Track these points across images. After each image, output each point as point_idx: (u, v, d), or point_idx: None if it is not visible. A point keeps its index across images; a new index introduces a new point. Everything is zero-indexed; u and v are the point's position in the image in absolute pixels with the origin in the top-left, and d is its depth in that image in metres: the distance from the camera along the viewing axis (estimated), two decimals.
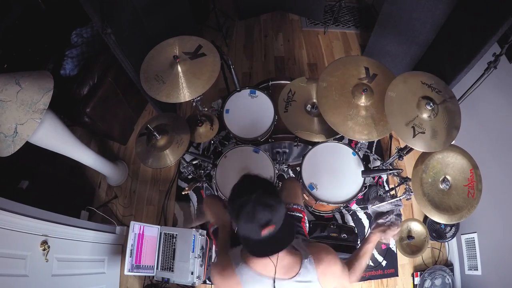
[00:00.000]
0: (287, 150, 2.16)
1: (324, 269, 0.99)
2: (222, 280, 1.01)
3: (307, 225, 1.52)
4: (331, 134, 1.75)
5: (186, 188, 2.06)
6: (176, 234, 2.04)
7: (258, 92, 1.95)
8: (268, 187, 0.90)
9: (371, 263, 2.22)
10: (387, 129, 1.54)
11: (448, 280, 2.17)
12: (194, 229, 2.05)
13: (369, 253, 1.21)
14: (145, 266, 1.97)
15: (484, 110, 2.03)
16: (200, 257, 2.04)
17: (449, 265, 2.26)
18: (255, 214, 0.83)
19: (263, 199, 0.84)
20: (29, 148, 1.60)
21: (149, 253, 2.00)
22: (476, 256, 2.05)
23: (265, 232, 0.84)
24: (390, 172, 1.86)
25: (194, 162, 2.10)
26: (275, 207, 0.85)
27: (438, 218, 1.45)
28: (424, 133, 1.39)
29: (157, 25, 2.31)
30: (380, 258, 2.24)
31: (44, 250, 1.52)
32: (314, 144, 1.83)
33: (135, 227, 1.96)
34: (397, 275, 2.23)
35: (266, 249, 0.89)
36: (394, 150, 2.18)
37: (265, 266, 0.94)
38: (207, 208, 1.60)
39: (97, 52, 2.23)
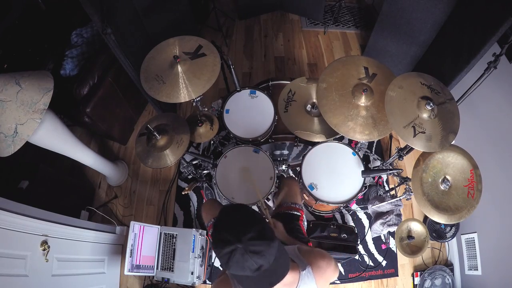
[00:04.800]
0: (287, 150, 2.16)
1: (322, 275, 1.00)
2: None
3: (305, 223, 1.53)
4: (331, 134, 1.75)
5: (186, 188, 2.06)
6: (176, 234, 2.04)
7: (258, 92, 1.95)
8: (255, 229, 0.79)
9: (371, 263, 2.23)
10: (388, 128, 1.54)
11: (448, 280, 2.17)
12: (194, 229, 2.05)
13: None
14: (145, 266, 1.97)
15: (484, 110, 2.03)
16: (200, 257, 2.04)
17: (449, 265, 2.26)
18: (244, 263, 0.76)
19: (251, 247, 0.76)
20: (29, 148, 1.60)
21: (149, 253, 2.00)
22: (476, 256, 2.05)
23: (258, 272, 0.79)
24: (390, 172, 1.86)
25: (194, 162, 2.10)
26: (266, 252, 0.78)
27: (438, 218, 1.45)
28: (424, 132, 1.39)
29: (157, 25, 2.31)
30: (380, 258, 2.24)
31: (44, 250, 1.52)
32: (314, 144, 1.83)
33: (135, 227, 1.96)
34: (397, 275, 2.23)
35: (262, 284, 0.83)
36: (394, 150, 2.18)
37: None
38: (205, 212, 1.60)
39: (97, 52, 2.23)
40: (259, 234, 0.78)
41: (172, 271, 1.98)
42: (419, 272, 2.20)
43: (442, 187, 1.49)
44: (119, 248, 2.24)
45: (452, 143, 1.45)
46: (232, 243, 0.76)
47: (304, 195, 1.89)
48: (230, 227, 0.80)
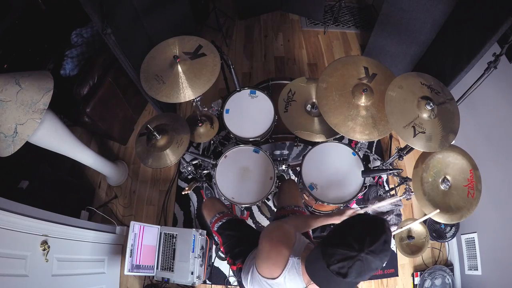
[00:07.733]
0: (287, 150, 2.16)
1: None
2: (273, 245, 1.00)
3: None
4: (331, 134, 1.75)
5: (186, 188, 2.06)
6: (176, 234, 2.04)
7: (258, 92, 1.95)
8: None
9: None
10: (388, 128, 1.53)
11: (448, 280, 2.17)
12: (194, 229, 2.05)
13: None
14: (145, 266, 1.97)
15: (484, 110, 2.03)
16: (200, 257, 2.04)
17: (449, 265, 2.26)
18: (368, 271, 0.83)
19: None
20: (29, 148, 1.60)
21: (149, 253, 2.00)
22: (476, 256, 2.05)
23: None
24: (390, 172, 1.86)
25: (194, 162, 2.10)
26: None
27: (438, 218, 1.45)
28: (424, 132, 1.39)
29: (157, 25, 2.31)
30: None
31: (44, 250, 1.52)
32: (314, 144, 1.83)
33: (135, 227, 1.96)
34: (397, 275, 2.23)
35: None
36: (394, 150, 2.18)
37: (309, 281, 0.95)
38: (207, 210, 1.60)
39: (97, 52, 2.23)
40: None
41: (172, 271, 1.98)
42: (419, 272, 2.20)
43: (442, 187, 1.49)
44: (119, 248, 2.24)
45: (452, 143, 1.45)
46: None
47: (304, 195, 1.89)
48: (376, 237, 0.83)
